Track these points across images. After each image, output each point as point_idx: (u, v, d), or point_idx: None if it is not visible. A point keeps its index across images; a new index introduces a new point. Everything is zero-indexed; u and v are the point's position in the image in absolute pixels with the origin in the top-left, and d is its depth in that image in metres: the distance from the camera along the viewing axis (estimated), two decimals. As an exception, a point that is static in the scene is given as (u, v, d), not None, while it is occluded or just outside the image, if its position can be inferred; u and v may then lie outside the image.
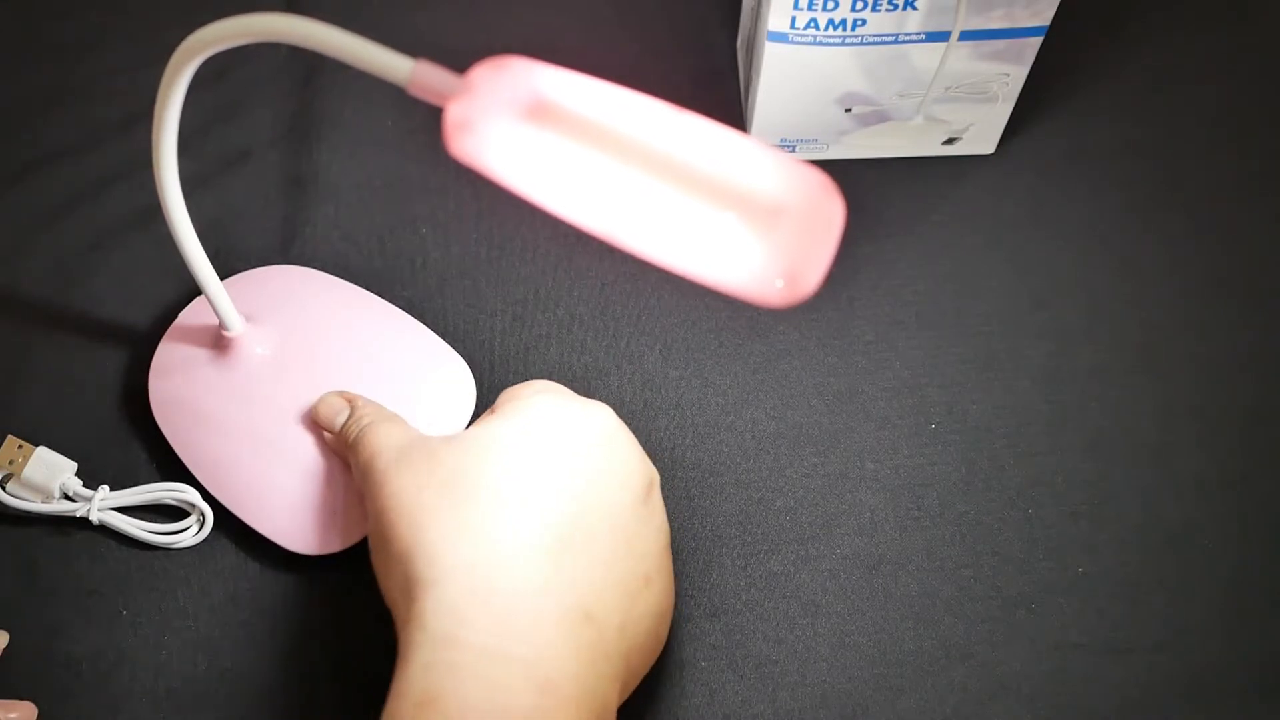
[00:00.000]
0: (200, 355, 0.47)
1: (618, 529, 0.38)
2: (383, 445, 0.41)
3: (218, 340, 0.46)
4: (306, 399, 0.45)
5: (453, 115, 0.30)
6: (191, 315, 0.48)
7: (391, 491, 0.39)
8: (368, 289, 0.50)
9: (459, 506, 0.37)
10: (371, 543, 0.39)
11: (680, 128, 0.31)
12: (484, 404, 0.48)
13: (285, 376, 0.46)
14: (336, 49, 0.31)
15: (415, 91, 0.31)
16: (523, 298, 0.51)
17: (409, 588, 0.36)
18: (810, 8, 0.45)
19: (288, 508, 0.44)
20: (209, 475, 0.45)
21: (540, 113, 0.30)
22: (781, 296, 0.30)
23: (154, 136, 0.37)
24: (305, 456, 0.45)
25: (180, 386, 0.47)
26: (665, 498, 0.46)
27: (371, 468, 0.40)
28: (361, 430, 0.42)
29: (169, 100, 0.36)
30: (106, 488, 0.45)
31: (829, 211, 0.30)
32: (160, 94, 0.36)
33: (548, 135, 0.30)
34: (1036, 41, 0.48)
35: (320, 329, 0.47)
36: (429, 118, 0.55)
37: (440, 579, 0.35)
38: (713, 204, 0.30)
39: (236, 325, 0.45)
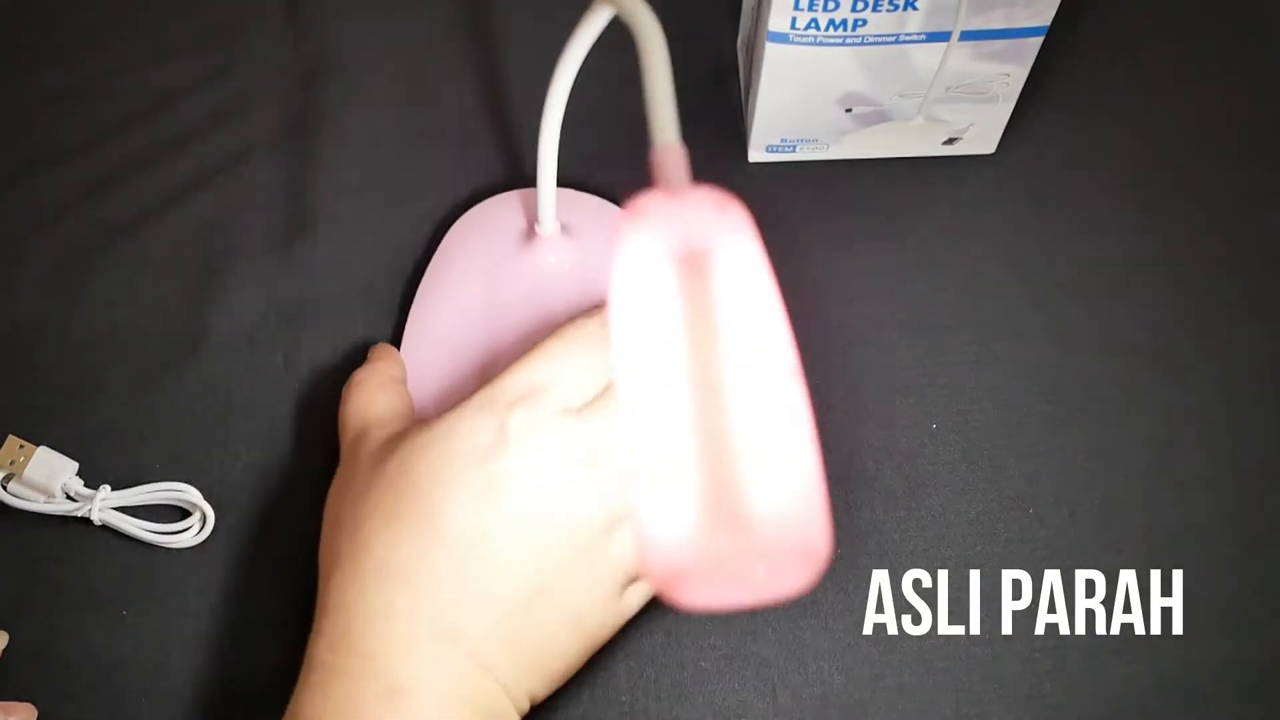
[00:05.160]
0: (504, 234, 0.49)
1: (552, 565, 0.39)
2: (353, 416, 0.43)
3: (526, 233, 0.48)
4: (557, 324, 0.46)
5: (644, 201, 0.29)
6: (501, 204, 0.51)
7: (337, 487, 0.42)
8: (367, 288, 0.50)
9: (388, 547, 0.38)
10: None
11: (757, 412, 0.28)
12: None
13: (560, 293, 0.47)
14: (653, 70, 0.31)
15: (653, 158, 0.30)
16: (523, 297, 0.51)
17: (324, 581, 0.39)
18: (810, 8, 0.45)
19: (446, 396, 0.46)
20: (417, 331, 0.48)
21: (690, 266, 0.29)
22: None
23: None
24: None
25: (472, 247, 0.49)
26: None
27: (342, 435, 0.43)
28: (347, 387, 0.45)
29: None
30: (108, 487, 0.45)
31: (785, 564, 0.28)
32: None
33: (664, 287, 0.28)
34: (1037, 41, 0.48)
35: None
36: (429, 118, 0.55)
37: (334, 609, 0.38)
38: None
39: (549, 228, 0.47)
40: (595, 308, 0.43)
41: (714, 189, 0.29)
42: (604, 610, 0.40)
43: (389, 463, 0.39)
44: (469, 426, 0.39)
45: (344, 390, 0.45)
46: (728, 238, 0.29)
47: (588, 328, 0.42)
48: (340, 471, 0.42)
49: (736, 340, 0.28)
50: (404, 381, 0.46)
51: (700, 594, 0.28)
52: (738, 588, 0.28)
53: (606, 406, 0.41)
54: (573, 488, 0.39)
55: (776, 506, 0.28)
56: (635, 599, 0.42)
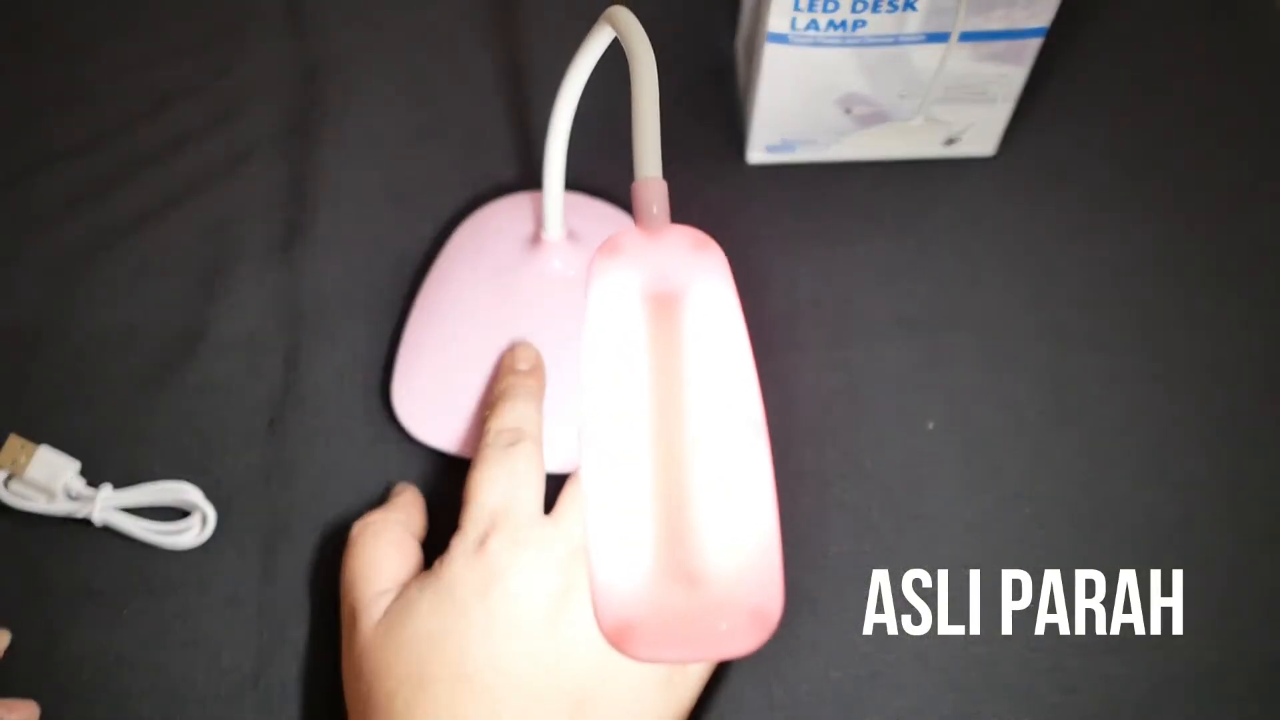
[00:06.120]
0: (509, 237, 0.49)
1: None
2: (359, 576, 0.42)
3: (532, 237, 0.48)
4: (562, 331, 0.46)
5: (620, 237, 0.29)
6: (510, 205, 0.51)
7: (352, 661, 0.40)
8: (368, 289, 0.50)
9: (424, 711, 0.37)
10: (344, 673, 0.41)
11: (727, 473, 0.28)
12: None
13: (566, 299, 0.47)
14: (642, 99, 0.30)
15: (634, 191, 0.29)
16: (523, 297, 0.51)
17: None
18: (810, 9, 0.45)
19: (447, 400, 0.46)
20: (417, 333, 0.48)
21: (661, 308, 0.28)
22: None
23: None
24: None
25: (477, 250, 0.49)
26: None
27: (346, 590, 0.42)
28: (359, 531, 0.43)
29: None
30: (109, 487, 0.45)
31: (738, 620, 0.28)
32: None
33: (632, 330, 0.28)
34: (1036, 42, 0.48)
35: None
36: (429, 118, 0.55)
37: None
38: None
39: (555, 233, 0.47)
40: (490, 410, 0.43)
41: (691, 228, 0.28)
42: (665, 686, 0.40)
43: (403, 630, 0.39)
44: (460, 573, 0.39)
45: (355, 533, 0.43)
46: (701, 280, 0.28)
47: (500, 442, 0.42)
48: (351, 641, 0.41)
49: (702, 390, 0.28)
50: (420, 535, 0.44)
51: (649, 647, 0.27)
52: (686, 643, 0.28)
53: (572, 499, 0.41)
54: (577, 587, 0.39)
55: (730, 565, 0.27)
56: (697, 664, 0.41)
